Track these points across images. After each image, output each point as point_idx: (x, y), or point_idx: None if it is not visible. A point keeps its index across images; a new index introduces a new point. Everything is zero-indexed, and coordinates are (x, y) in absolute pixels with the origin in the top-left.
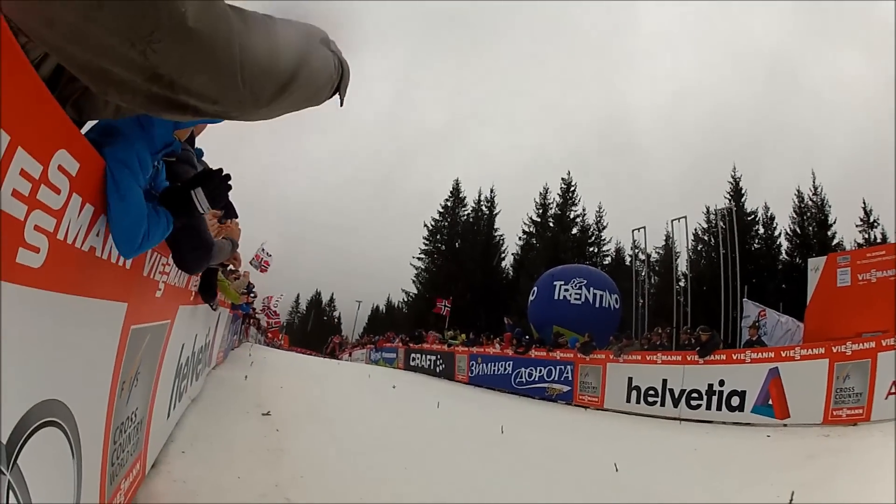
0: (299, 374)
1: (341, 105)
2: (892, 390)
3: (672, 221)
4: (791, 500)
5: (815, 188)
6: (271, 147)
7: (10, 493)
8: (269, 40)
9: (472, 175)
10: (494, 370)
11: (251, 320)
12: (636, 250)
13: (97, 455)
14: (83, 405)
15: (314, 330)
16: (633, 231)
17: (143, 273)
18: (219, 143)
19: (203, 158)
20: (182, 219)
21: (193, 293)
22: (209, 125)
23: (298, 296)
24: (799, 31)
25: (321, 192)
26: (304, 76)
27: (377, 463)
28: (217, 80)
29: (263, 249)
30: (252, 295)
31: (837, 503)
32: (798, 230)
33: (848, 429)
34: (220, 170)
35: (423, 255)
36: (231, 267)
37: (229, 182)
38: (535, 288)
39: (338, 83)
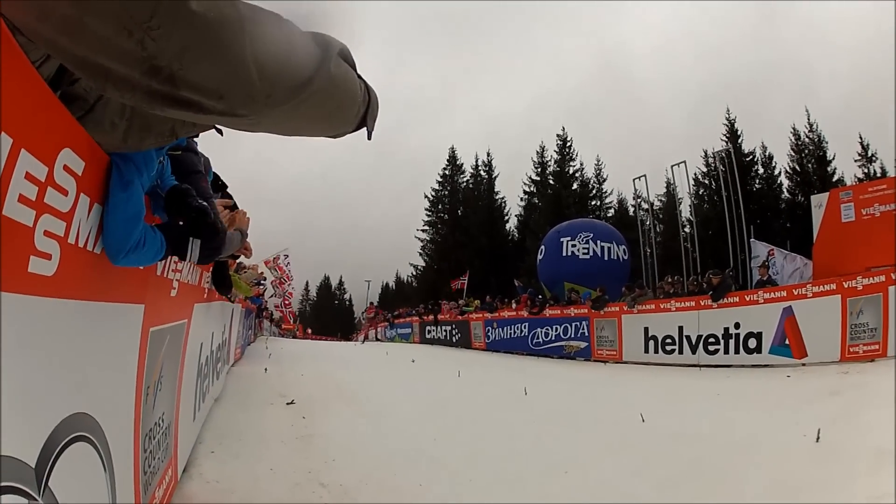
0: (318, 360)
1: (369, 138)
2: None
3: (672, 167)
4: (818, 436)
5: (811, 125)
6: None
7: None
8: (282, 33)
9: (467, 140)
10: (511, 334)
11: (264, 313)
12: (638, 199)
13: (129, 466)
14: (110, 415)
15: (327, 315)
16: (633, 180)
17: (158, 272)
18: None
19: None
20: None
21: (206, 290)
22: None
23: (308, 283)
24: None
25: (319, 173)
26: (322, 82)
27: (406, 438)
28: (222, 71)
29: (286, 258)
30: (262, 286)
31: (863, 435)
32: (798, 168)
33: (866, 365)
34: (223, 229)
35: (426, 227)
36: (242, 258)
37: (221, 243)
38: (543, 246)
39: (364, 112)
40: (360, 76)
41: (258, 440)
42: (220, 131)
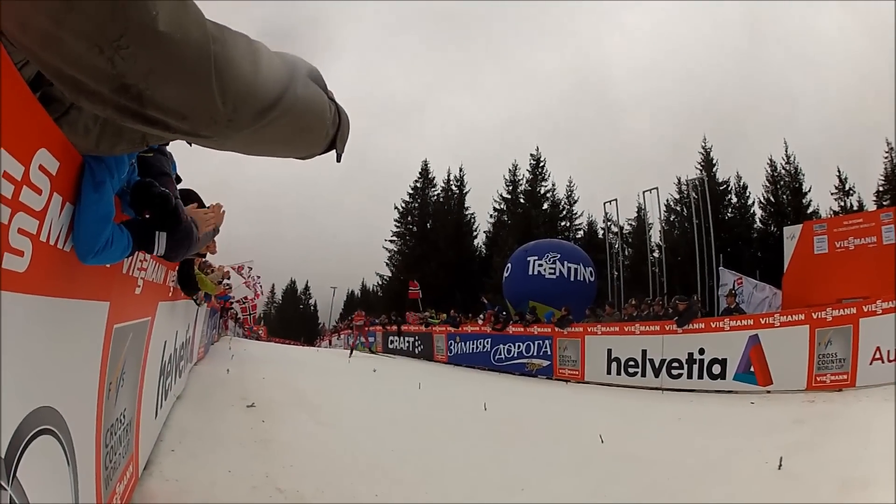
0: (280, 364)
1: (338, 160)
2: (877, 356)
3: (644, 193)
4: (780, 464)
5: (788, 156)
6: None
7: None
8: (249, 55)
9: (440, 153)
10: (473, 348)
11: (229, 313)
12: (608, 223)
13: (91, 460)
14: (74, 410)
15: (292, 319)
16: (604, 204)
17: (123, 271)
18: None
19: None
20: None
21: (172, 288)
22: None
23: (274, 286)
24: None
25: (291, 177)
26: (287, 105)
27: (364, 448)
28: (187, 93)
29: (251, 271)
30: (227, 286)
31: (827, 465)
32: (772, 198)
33: (833, 394)
34: (191, 224)
35: (395, 238)
36: (208, 254)
37: (187, 234)
38: (509, 264)
39: (334, 134)
40: (331, 98)
41: (217, 441)
42: (189, 142)
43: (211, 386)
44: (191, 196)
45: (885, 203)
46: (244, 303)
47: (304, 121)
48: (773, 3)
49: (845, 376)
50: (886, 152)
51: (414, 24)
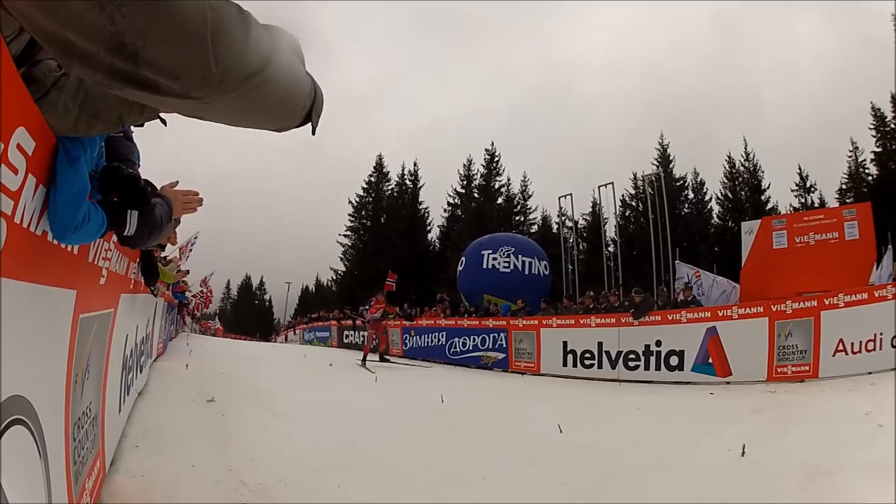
0: (237, 359)
1: (313, 133)
2: (841, 348)
3: (599, 188)
4: (743, 451)
5: (748, 154)
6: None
7: None
8: (241, 21)
9: (396, 148)
10: (428, 342)
11: (185, 310)
12: (563, 217)
13: (61, 454)
14: (44, 400)
15: (247, 315)
16: (559, 198)
17: (89, 259)
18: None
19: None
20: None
21: (133, 281)
22: None
23: (229, 281)
24: None
25: (246, 169)
26: (272, 72)
27: (323, 441)
28: (182, 52)
29: (195, 240)
30: (184, 283)
31: (791, 452)
32: (730, 195)
33: (795, 385)
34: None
35: (349, 233)
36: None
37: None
38: (463, 258)
39: (310, 107)
40: (308, 72)
41: (180, 436)
42: (164, 121)
43: (171, 381)
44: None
45: (847, 200)
46: (200, 298)
47: (284, 90)
48: (745, 4)
49: (807, 367)
50: (851, 151)
51: (379, 14)
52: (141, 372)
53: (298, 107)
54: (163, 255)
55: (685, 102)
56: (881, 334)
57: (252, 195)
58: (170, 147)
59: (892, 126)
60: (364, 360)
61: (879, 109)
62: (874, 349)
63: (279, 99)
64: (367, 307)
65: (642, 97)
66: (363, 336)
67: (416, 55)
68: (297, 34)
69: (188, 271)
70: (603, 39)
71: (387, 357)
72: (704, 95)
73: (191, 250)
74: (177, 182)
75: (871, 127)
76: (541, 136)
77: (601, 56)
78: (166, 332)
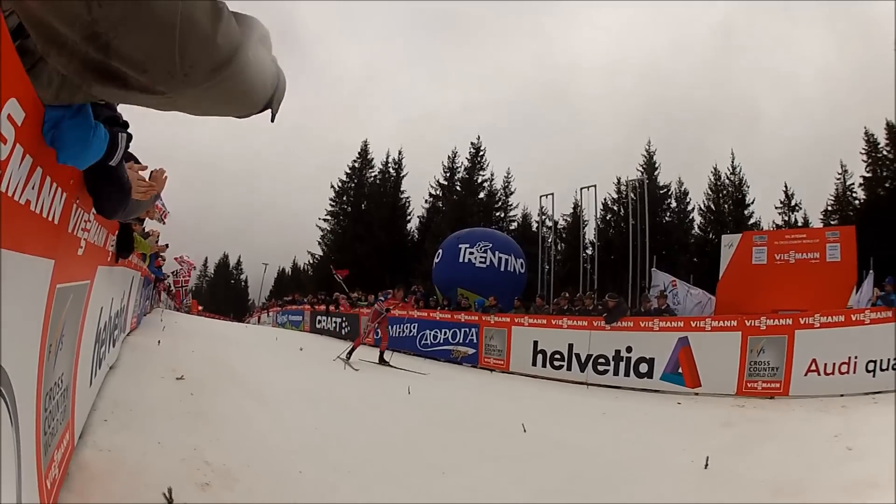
0: (209, 338)
1: (272, 121)
2: (813, 368)
3: (581, 189)
4: (706, 463)
5: (734, 167)
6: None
7: None
8: (210, 14)
9: (383, 134)
10: (399, 332)
11: (162, 285)
12: (543, 216)
13: (31, 424)
14: (18, 369)
15: (222, 294)
16: (540, 197)
17: (69, 229)
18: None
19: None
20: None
21: (110, 253)
22: None
23: (207, 259)
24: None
25: (233, 144)
26: (237, 67)
27: (290, 425)
28: (151, 45)
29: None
30: (161, 259)
31: (757, 468)
32: (713, 206)
33: (764, 401)
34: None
35: (329, 217)
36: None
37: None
38: (440, 250)
39: (271, 95)
40: (274, 59)
41: (148, 412)
42: (138, 103)
43: (143, 357)
44: (127, 156)
45: (832, 222)
46: (177, 276)
47: (249, 83)
48: (751, 13)
49: (778, 385)
50: (839, 173)
51: (380, 10)
52: (114, 346)
53: (261, 97)
54: (143, 227)
55: (681, 108)
56: (856, 358)
57: (236, 174)
58: (156, 122)
59: (885, 153)
60: (350, 353)
61: (872, 135)
62: (848, 372)
63: (243, 91)
64: (383, 297)
65: (638, 100)
66: (336, 323)
67: (416, 51)
68: (291, 22)
69: (167, 245)
70: (602, 40)
71: (387, 360)
72: (702, 101)
73: (164, 209)
74: (145, 167)
75: (863, 151)
76: (529, 134)
77: (599, 56)
78: (141, 307)
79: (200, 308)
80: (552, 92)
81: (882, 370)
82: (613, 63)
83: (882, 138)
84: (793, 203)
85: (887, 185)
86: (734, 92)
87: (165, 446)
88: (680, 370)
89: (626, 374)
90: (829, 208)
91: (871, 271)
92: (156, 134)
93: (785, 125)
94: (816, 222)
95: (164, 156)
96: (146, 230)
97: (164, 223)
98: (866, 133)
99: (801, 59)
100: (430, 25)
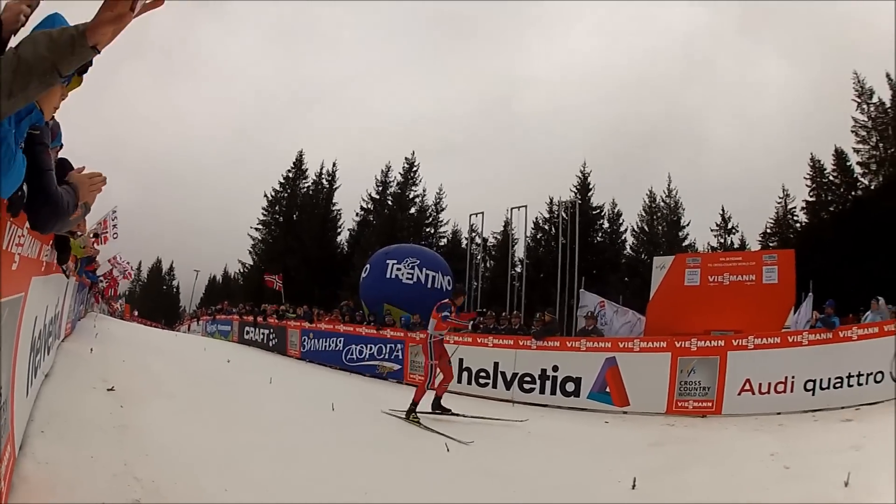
0: (139, 347)
1: (73, 76)
2: (747, 387)
3: (512, 209)
4: (634, 484)
5: (670, 190)
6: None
7: None
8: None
9: (321, 146)
10: (326, 346)
11: (95, 288)
12: (473, 234)
13: None
14: None
15: (155, 300)
16: (470, 216)
17: (3, 247)
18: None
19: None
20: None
21: (45, 263)
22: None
23: (140, 263)
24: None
25: (176, 150)
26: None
27: (218, 441)
28: None
29: (115, 215)
30: (96, 263)
31: (687, 490)
32: (646, 227)
33: (696, 420)
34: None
35: (261, 226)
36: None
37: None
38: (368, 265)
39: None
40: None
41: (81, 425)
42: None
43: (76, 365)
44: (64, 165)
45: (771, 245)
46: (106, 280)
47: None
48: (714, 42)
49: (710, 404)
50: (781, 197)
51: (344, 16)
52: (48, 353)
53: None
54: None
55: (628, 129)
56: (793, 377)
57: (179, 177)
58: (104, 122)
59: (831, 178)
60: (413, 409)
61: (819, 161)
62: (784, 391)
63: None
64: (447, 312)
65: (587, 121)
66: (264, 334)
67: (376, 59)
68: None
69: (98, 250)
70: (557, 57)
71: (444, 405)
72: (651, 123)
73: (115, 225)
74: (83, 168)
75: (807, 176)
76: (468, 151)
77: (551, 74)
78: (75, 312)
79: (134, 313)
80: (496, 109)
81: (822, 389)
82: (565, 82)
83: (829, 164)
84: (729, 226)
85: (832, 208)
86: (683, 114)
87: (98, 460)
88: (608, 389)
89: (553, 392)
90: (769, 231)
91: (810, 293)
92: (95, 137)
93: (729, 148)
94: (754, 245)
95: (108, 159)
96: (76, 232)
97: (104, 242)
98: (812, 158)
99: (759, 83)
100: (386, 38)
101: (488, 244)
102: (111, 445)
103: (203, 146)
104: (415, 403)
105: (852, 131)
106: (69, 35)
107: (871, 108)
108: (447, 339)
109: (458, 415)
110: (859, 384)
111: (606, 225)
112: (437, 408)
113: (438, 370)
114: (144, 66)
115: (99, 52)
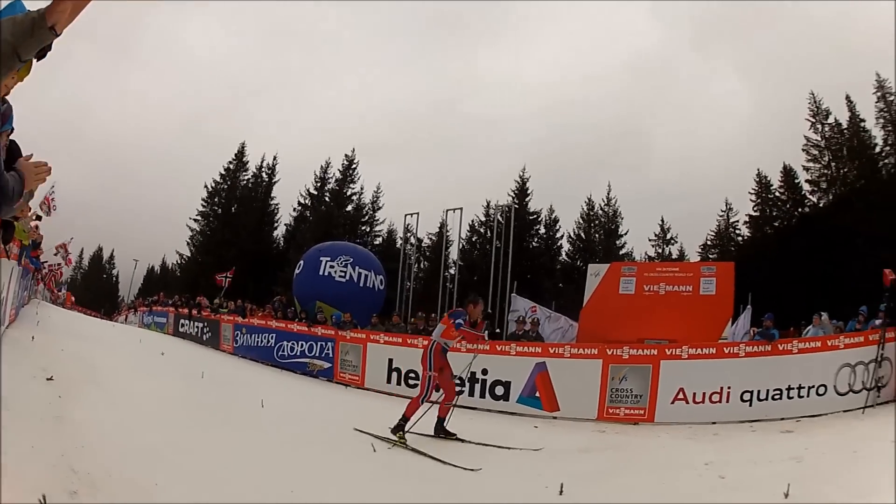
0: (78, 336)
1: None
2: (681, 396)
3: (447, 211)
4: (561, 490)
5: (609, 199)
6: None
7: None
8: None
9: (265, 139)
10: (258, 342)
11: (40, 275)
12: (408, 234)
13: None
14: None
15: (95, 288)
16: (405, 216)
17: None
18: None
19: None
20: None
21: None
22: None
23: (83, 250)
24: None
25: (117, 132)
26: None
27: (151, 434)
28: None
29: (53, 192)
30: (40, 250)
31: (616, 495)
32: (583, 234)
33: (627, 427)
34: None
35: (199, 218)
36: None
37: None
38: (302, 261)
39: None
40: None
41: (22, 414)
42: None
43: (18, 353)
44: (13, 149)
45: (711, 256)
46: (52, 269)
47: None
48: (666, 57)
49: (642, 411)
50: (723, 211)
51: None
52: None
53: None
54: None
55: (575, 139)
56: (729, 388)
57: (126, 163)
58: (57, 102)
59: (778, 194)
60: (403, 424)
61: (766, 177)
62: (720, 401)
63: None
64: (461, 319)
65: (531, 128)
66: (198, 328)
67: (334, 51)
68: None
69: (42, 235)
70: (507, 64)
71: (448, 429)
72: (602, 134)
73: (53, 201)
74: (31, 155)
75: (752, 192)
76: (409, 151)
77: (500, 79)
78: (20, 299)
79: (73, 300)
80: (442, 110)
81: (760, 400)
82: (517, 85)
83: (776, 180)
84: (668, 236)
85: (776, 223)
86: (630, 127)
87: (37, 451)
88: (537, 394)
89: (482, 395)
90: (709, 243)
91: (749, 306)
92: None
93: (674, 162)
94: (693, 256)
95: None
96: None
97: (49, 216)
98: (758, 174)
99: (706, 99)
100: (340, 33)
101: (423, 245)
102: (49, 436)
103: (149, 133)
104: (405, 419)
105: (803, 149)
106: (31, 19)
107: (826, 129)
108: (458, 348)
109: (464, 441)
110: (800, 396)
111: (543, 231)
112: (441, 432)
113: (437, 383)
114: (95, 50)
115: (58, 35)
